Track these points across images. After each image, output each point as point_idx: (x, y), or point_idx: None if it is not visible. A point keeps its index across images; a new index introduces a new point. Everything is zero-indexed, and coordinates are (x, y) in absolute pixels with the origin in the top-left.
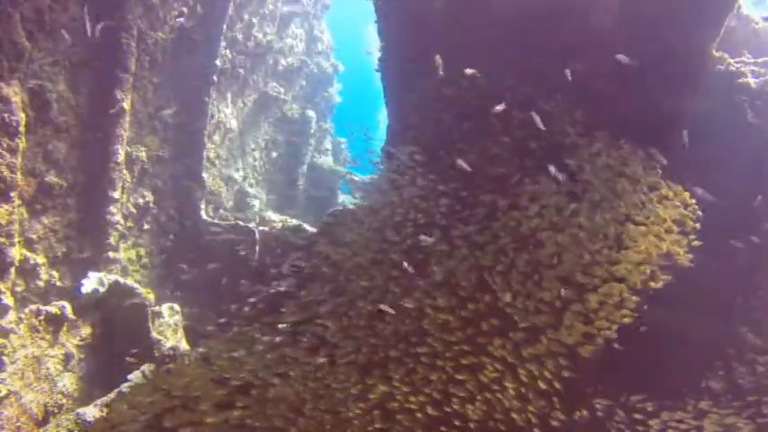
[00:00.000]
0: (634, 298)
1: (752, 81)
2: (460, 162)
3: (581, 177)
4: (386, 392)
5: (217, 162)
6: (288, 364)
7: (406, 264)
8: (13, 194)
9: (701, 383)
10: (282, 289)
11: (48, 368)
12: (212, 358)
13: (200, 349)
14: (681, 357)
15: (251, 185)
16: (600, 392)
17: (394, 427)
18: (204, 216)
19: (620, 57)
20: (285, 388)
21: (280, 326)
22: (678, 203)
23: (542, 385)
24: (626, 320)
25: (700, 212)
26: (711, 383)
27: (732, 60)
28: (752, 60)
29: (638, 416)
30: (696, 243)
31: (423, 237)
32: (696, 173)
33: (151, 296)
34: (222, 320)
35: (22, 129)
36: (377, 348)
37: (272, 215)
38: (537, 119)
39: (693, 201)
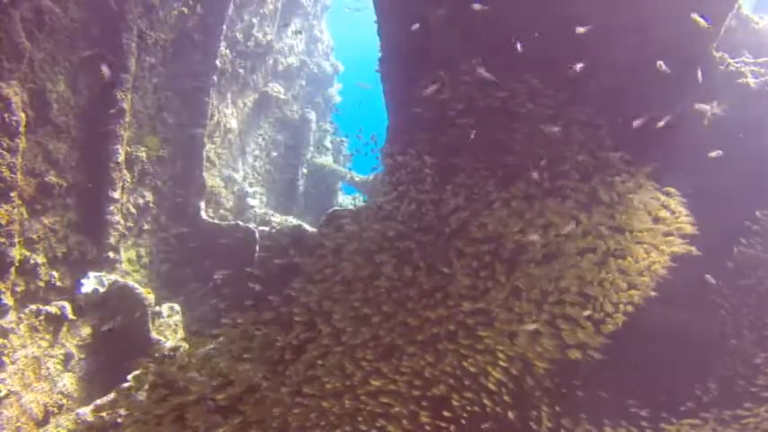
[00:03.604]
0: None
1: (752, 81)
2: (480, 70)
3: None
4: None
5: (217, 162)
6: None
7: None
8: (13, 194)
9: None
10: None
11: (48, 368)
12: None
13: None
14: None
15: (251, 185)
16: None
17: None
18: (204, 216)
19: None
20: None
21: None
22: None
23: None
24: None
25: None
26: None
27: (732, 60)
28: (752, 60)
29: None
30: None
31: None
32: (696, 173)
33: (151, 296)
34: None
35: (22, 129)
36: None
37: (271, 215)
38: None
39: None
